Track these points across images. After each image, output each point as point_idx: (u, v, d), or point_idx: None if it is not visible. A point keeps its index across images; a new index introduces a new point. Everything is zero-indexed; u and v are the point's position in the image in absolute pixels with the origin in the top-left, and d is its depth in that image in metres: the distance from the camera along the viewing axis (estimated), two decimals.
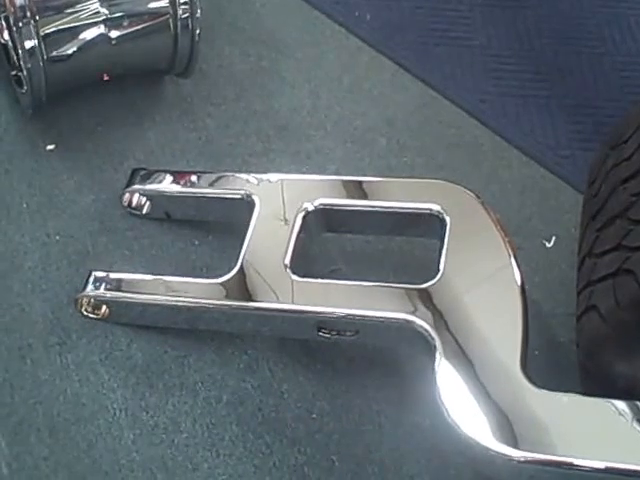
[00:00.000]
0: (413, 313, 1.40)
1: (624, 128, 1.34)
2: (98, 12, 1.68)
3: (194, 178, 1.74)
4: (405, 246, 1.77)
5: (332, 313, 1.45)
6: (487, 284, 1.43)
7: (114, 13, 1.71)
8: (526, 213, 1.85)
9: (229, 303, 1.52)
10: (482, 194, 1.66)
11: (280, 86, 2.04)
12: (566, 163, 1.94)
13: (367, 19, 2.20)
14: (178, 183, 1.75)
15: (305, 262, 1.63)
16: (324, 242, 1.74)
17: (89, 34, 1.70)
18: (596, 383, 1.30)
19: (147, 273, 1.64)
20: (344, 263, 1.73)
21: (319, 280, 1.51)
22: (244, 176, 1.70)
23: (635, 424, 1.22)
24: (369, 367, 1.62)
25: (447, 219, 1.52)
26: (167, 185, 1.75)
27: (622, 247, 1.18)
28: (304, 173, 1.82)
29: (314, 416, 1.56)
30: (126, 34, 1.75)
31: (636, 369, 1.24)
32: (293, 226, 1.57)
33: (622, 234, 1.19)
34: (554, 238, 1.80)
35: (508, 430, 1.27)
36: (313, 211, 1.60)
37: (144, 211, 1.77)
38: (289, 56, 2.10)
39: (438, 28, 2.20)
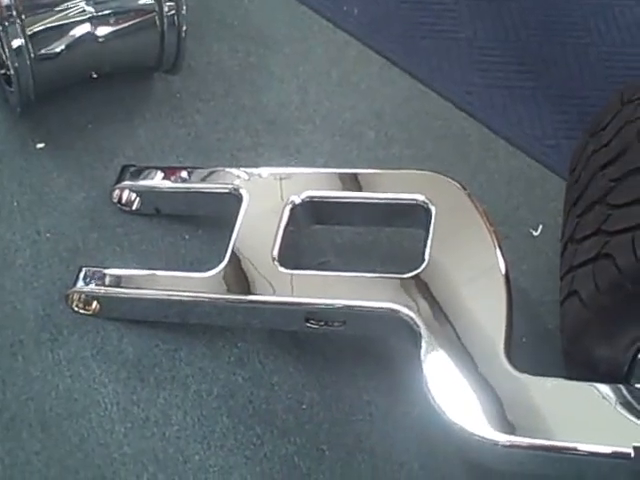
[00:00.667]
0: (398, 302, 1.42)
1: (603, 115, 1.36)
2: (84, 10, 1.70)
3: (183, 173, 1.76)
4: (394, 237, 1.78)
5: (319, 304, 1.47)
6: (472, 273, 1.45)
7: (100, 11, 1.72)
8: (513, 203, 1.87)
9: (218, 296, 1.53)
10: (469, 184, 1.67)
11: (268, 81, 2.06)
12: (552, 153, 1.95)
13: (354, 14, 2.22)
14: (167, 179, 1.76)
15: (294, 254, 1.64)
16: (313, 234, 1.75)
17: (76, 32, 1.71)
18: (579, 367, 1.32)
19: (138, 268, 1.65)
20: (333, 255, 1.75)
21: (306, 272, 1.53)
22: (232, 170, 1.71)
23: (618, 407, 1.23)
24: (359, 357, 1.63)
25: (432, 209, 1.53)
26: (156, 181, 1.76)
27: (601, 232, 1.20)
28: (292, 166, 1.82)
29: (304, 407, 1.57)
30: (113, 32, 1.76)
31: (617, 353, 1.25)
32: (281, 219, 1.58)
33: (601, 219, 1.20)
34: (541, 227, 1.81)
35: (493, 415, 1.28)
36: (300, 204, 1.61)
37: (134, 207, 1.78)
38: (277, 51, 2.12)
39: (425, 22, 2.22)
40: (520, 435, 1.25)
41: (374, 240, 1.78)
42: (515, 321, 1.56)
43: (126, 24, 1.76)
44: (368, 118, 2.00)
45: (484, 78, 2.10)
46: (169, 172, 1.77)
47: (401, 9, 2.23)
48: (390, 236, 1.78)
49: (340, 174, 1.66)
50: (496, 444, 1.26)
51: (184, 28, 1.78)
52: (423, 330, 1.38)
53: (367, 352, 1.63)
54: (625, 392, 1.24)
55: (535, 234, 1.81)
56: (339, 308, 1.45)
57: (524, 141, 1.98)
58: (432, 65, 2.11)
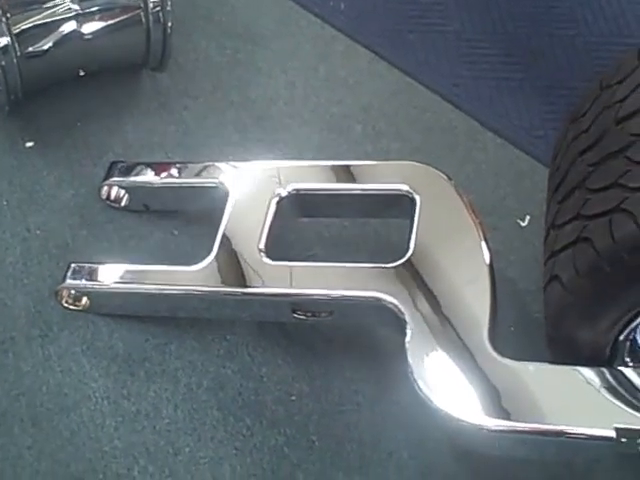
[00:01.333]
0: (383, 291, 1.43)
1: (582, 102, 1.37)
2: (69, 8, 1.71)
3: (171, 169, 1.77)
4: (381, 230, 1.79)
5: (305, 294, 1.47)
6: (456, 262, 1.45)
7: (86, 9, 1.73)
8: (500, 193, 1.87)
9: (206, 289, 1.54)
10: (457, 176, 1.68)
11: (256, 77, 2.07)
12: (540, 143, 1.96)
13: (341, 8, 2.23)
14: (155, 174, 1.77)
15: (282, 247, 1.65)
16: (301, 228, 1.76)
17: (62, 30, 1.73)
18: (563, 352, 1.33)
19: (127, 264, 1.65)
20: (320, 248, 1.75)
21: (292, 263, 1.53)
22: (220, 165, 1.72)
23: (601, 390, 1.24)
24: (347, 348, 1.64)
25: (417, 199, 1.54)
26: (144, 177, 1.78)
27: (580, 216, 1.20)
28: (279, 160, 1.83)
29: (293, 398, 1.58)
30: (98, 29, 1.77)
31: (599, 336, 1.26)
32: (267, 212, 1.59)
33: (580, 204, 1.21)
34: (528, 217, 1.82)
35: (478, 400, 1.29)
36: (286, 196, 1.62)
37: (123, 203, 1.79)
38: (265, 47, 2.13)
39: (412, 15, 2.23)
40: (505, 419, 1.26)
41: (361, 233, 1.79)
42: (503, 310, 1.57)
43: (112, 21, 1.77)
44: (356, 112, 2.01)
45: (471, 70, 2.11)
46: (157, 168, 1.78)
47: (388, 3, 2.24)
48: (377, 228, 1.79)
49: (326, 166, 1.67)
50: (481, 429, 1.27)
51: (170, 24, 1.79)
52: (408, 318, 1.39)
53: (355, 343, 1.64)
54: (608, 375, 1.25)
55: (523, 224, 1.82)
56: (325, 298, 1.46)
57: (512, 132, 1.99)
58: (419, 58, 2.12)
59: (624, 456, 1.27)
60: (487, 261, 1.45)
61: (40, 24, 1.71)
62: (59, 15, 1.71)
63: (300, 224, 1.74)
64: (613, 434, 1.19)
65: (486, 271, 1.43)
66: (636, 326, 1.25)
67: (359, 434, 1.53)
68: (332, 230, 1.78)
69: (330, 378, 1.60)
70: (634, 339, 1.28)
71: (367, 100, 2.04)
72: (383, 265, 1.47)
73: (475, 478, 1.50)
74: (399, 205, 1.60)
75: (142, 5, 1.76)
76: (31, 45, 1.71)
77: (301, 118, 1.99)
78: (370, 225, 1.79)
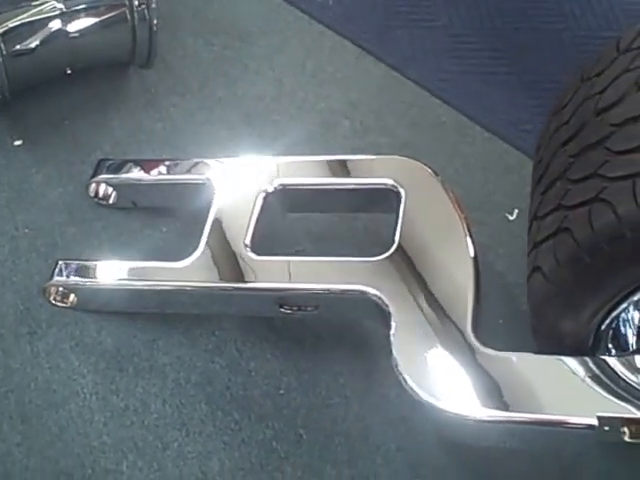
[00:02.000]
0: (368, 284, 1.43)
1: (564, 94, 1.37)
2: (54, 7, 1.71)
3: (158, 166, 1.77)
4: (370, 225, 1.80)
5: (291, 289, 1.48)
6: (440, 255, 1.46)
7: (71, 7, 1.74)
8: (489, 188, 1.88)
9: (193, 285, 1.54)
10: (445, 171, 1.69)
11: (244, 74, 2.08)
12: (528, 137, 1.95)
13: (329, 4, 2.23)
14: (143, 172, 1.78)
15: (269, 243, 1.65)
16: (289, 223, 1.77)
17: (47, 29, 1.73)
18: (547, 342, 1.33)
19: (114, 260, 1.66)
20: (309, 243, 1.76)
21: (278, 258, 1.54)
22: (206, 161, 1.73)
23: (584, 379, 1.24)
24: (335, 342, 1.64)
25: (402, 193, 1.54)
26: (132, 174, 1.78)
27: (561, 207, 1.21)
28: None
29: (281, 392, 1.58)
30: (84, 28, 1.78)
31: (581, 326, 1.26)
32: (254, 207, 1.60)
33: (561, 195, 1.22)
34: (517, 211, 1.82)
35: (463, 391, 1.30)
36: (273, 192, 1.63)
37: (111, 201, 1.80)
38: (252, 44, 2.13)
39: (400, 11, 2.23)
40: (490, 410, 1.27)
41: (350, 228, 1.79)
42: (491, 303, 1.59)
43: (97, 19, 1.78)
44: (343, 107, 2.02)
45: (459, 65, 2.11)
46: (145, 165, 1.78)
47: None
48: (366, 224, 1.80)
49: (312, 161, 1.68)
50: (467, 419, 1.28)
51: (155, 22, 1.80)
52: (392, 311, 1.39)
53: (343, 337, 1.65)
54: (591, 364, 1.26)
55: (511, 218, 1.82)
56: (310, 292, 1.47)
57: (499, 127, 1.99)
58: (407, 54, 2.13)
59: (610, 446, 1.28)
60: (471, 254, 1.45)
61: (26, 22, 1.72)
62: (45, 14, 1.72)
63: (288, 219, 1.75)
64: (596, 422, 1.20)
65: (470, 264, 1.44)
66: (618, 315, 1.25)
67: (347, 427, 1.54)
68: (320, 225, 1.79)
69: (318, 372, 1.60)
70: (616, 328, 1.28)
71: (355, 95, 2.04)
72: (368, 259, 1.47)
73: (464, 470, 1.51)
74: (386, 199, 1.60)
75: (127, 3, 1.76)
76: (18, 44, 1.71)
77: (288, 114, 2.00)
78: (359, 220, 1.80)
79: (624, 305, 1.23)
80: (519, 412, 1.25)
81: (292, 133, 1.96)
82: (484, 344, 1.34)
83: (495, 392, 1.28)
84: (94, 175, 1.79)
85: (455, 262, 1.44)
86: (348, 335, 1.65)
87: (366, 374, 1.60)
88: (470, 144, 1.97)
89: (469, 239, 1.47)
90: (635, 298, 1.22)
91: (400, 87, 2.07)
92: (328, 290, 1.46)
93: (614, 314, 1.25)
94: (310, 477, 1.48)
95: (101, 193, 1.79)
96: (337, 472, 1.49)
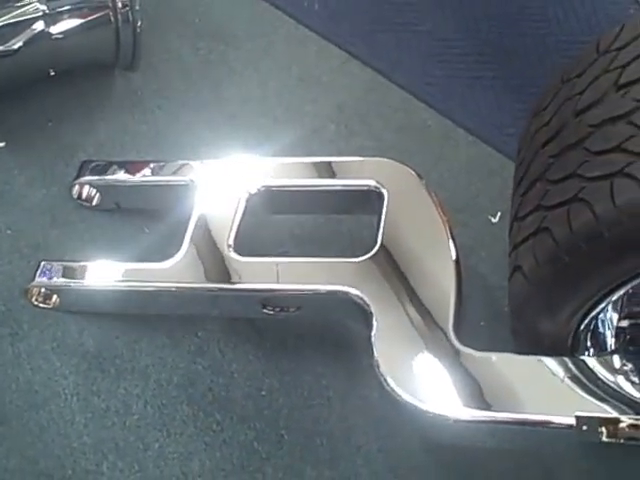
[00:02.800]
0: (350, 285, 1.43)
1: (545, 95, 1.38)
2: (37, 8, 1.71)
3: (141, 168, 1.77)
4: (354, 227, 1.80)
5: (273, 289, 1.48)
6: (422, 257, 1.46)
7: (53, 9, 1.73)
8: (473, 191, 1.88)
9: (174, 285, 1.54)
10: (430, 174, 1.70)
11: (229, 77, 2.08)
12: (512, 141, 1.94)
13: (315, 8, 2.24)
14: (126, 173, 1.77)
15: (253, 245, 1.65)
16: (273, 225, 1.77)
17: (30, 30, 1.73)
18: (527, 342, 1.33)
19: (96, 261, 1.65)
20: (293, 245, 1.76)
21: (261, 258, 1.54)
22: (190, 163, 1.73)
23: (563, 379, 1.25)
24: (318, 344, 1.65)
25: (385, 194, 1.55)
26: (115, 176, 1.78)
27: (541, 207, 1.21)
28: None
29: (263, 393, 1.59)
30: (67, 29, 1.77)
31: (560, 326, 1.26)
32: (237, 208, 1.60)
33: (541, 195, 1.22)
34: (499, 214, 1.83)
35: (444, 391, 1.30)
36: (256, 193, 1.63)
37: (94, 202, 1.80)
38: (238, 47, 2.13)
39: (385, 15, 2.23)
40: (470, 409, 1.27)
41: (334, 229, 1.79)
42: (474, 305, 1.59)
43: (81, 21, 1.78)
44: (329, 111, 2.02)
45: (444, 69, 2.12)
46: (128, 167, 1.78)
47: (361, 3, 2.25)
48: (350, 225, 1.80)
49: (296, 163, 1.68)
50: (448, 419, 1.28)
51: (139, 24, 1.80)
52: (374, 312, 1.39)
53: (326, 338, 1.65)
54: (570, 364, 1.26)
55: (494, 221, 1.83)
56: (293, 293, 1.47)
57: (484, 130, 2.00)
58: (392, 58, 2.13)
59: (591, 445, 1.28)
60: (453, 257, 1.45)
61: (9, 24, 1.71)
62: (28, 15, 1.72)
63: (272, 220, 1.75)
64: (574, 422, 1.20)
65: (452, 266, 1.44)
66: (597, 315, 1.26)
67: (329, 428, 1.54)
68: (304, 227, 1.79)
69: (300, 373, 1.61)
70: (595, 328, 1.29)
71: (340, 99, 2.05)
72: (350, 259, 1.47)
73: (444, 470, 1.51)
74: (369, 201, 1.60)
75: (111, 5, 1.76)
76: (0, 45, 1.71)
77: (274, 117, 2.00)
78: (343, 222, 1.80)
79: (603, 305, 1.23)
80: (499, 412, 1.25)
81: (277, 136, 1.96)
82: (466, 345, 1.34)
83: (476, 392, 1.28)
84: (77, 177, 1.79)
85: (437, 264, 1.44)
86: (331, 336, 1.65)
87: (348, 375, 1.60)
88: (455, 147, 1.97)
89: (451, 241, 1.47)
90: (613, 298, 1.22)
91: (386, 91, 2.07)
92: (310, 291, 1.46)
93: (593, 314, 1.25)
94: (291, 478, 1.49)
95: (84, 195, 1.79)
96: (318, 473, 1.49)
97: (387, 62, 2.13)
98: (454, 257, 1.46)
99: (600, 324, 1.29)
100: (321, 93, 2.06)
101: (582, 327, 1.27)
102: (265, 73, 2.09)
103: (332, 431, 1.54)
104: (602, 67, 1.25)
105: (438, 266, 1.44)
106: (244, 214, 1.60)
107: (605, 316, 1.28)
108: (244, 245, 1.58)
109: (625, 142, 1.11)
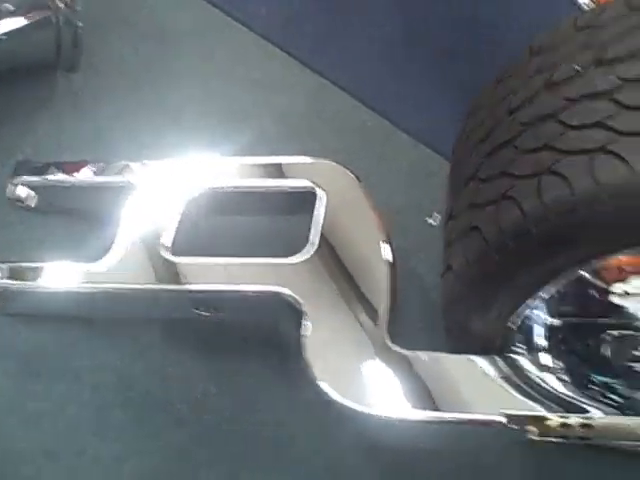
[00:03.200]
0: (283, 285, 1.42)
1: (480, 96, 1.38)
2: None
3: (79, 168, 1.74)
4: (295, 227, 1.77)
5: (205, 291, 1.46)
6: (356, 258, 1.46)
7: None
8: (412, 193, 1.89)
9: (105, 286, 1.51)
10: (370, 175, 1.69)
11: (171, 79, 2.06)
12: (449, 142, 1.97)
13: (262, 13, 2.23)
14: (63, 174, 1.75)
15: (191, 245, 1.63)
16: (214, 226, 1.75)
17: None
18: (458, 342, 1.33)
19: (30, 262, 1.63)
20: (231, 246, 1.73)
21: (195, 259, 1.52)
22: (128, 164, 1.71)
23: (494, 377, 1.25)
24: (257, 348, 1.63)
25: (323, 195, 1.54)
26: (52, 176, 1.75)
27: (472, 206, 1.21)
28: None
29: (203, 397, 1.57)
30: (8, 30, 1.75)
31: (490, 325, 1.27)
32: (174, 209, 1.58)
33: (473, 194, 1.22)
34: (439, 216, 1.83)
35: (374, 391, 1.30)
36: (195, 194, 1.61)
37: (31, 204, 1.77)
38: (181, 50, 2.12)
39: (329, 20, 2.24)
40: (402, 409, 1.26)
41: (274, 230, 1.77)
42: (411, 306, 1.59)
43: (21, 22, 1.75)
44: (272, 113, 2.01)
45: (389, 73, 2.12)
46: (65, 167, 1.75)
47: (307, 8, 2.24)
48: (291, 226, 1.78)
49: (235, 163, 1.66)
50: (379, 419, 1.27)
51: (80, 25, 1.78)
52: (306, 312, 1.38)
53: (263, 341, 1.64)
54: (500, 363, 1.26)
55: (433, 223, 1.83)
56: (224, 293, 1.45)
57: (424, 133, 2.00)
58: (335, 61, 2.13)
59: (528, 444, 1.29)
60: (388, 259, 1.45)
61: None
62: None
63: (212, 222, 1.73)
64: (504, 420, 1.20)
65: (387, 268, 1.44)
66: (526, 313, 1.26)
67: (267, 432, 1.53)
68: (245, 228, 1.77)
69: (242, 377, 1.60)
70: (526, 327, 1.29)
71: (284, 102, 2.04)
72: (284, 260, 1.47)
73: (382, 471, 1.50)
74: (308, 202, 1.59)
75: (51, 6, 1.74)
76: None
77: (216, 119, 1.98)
78: (286, 222, 1.77)
79: (532, 303, 1.24)
80: (431, 411, 1.25)
81: (219, 139, 1.94)
82: (402, 346, 1.33)
83: (408, 392, 1.28)
84: (13, 177, 1.76)
85: (372, 266, 1.44)
86: (267, 339, 1.64)
87: (286, 378, 1.58)
88: (394, 149, 1.97)
89: (387, 243, 1.47)
90: (543, 296, 1.23)
91: (329, 94, 2.07)
92: (244, 291, 1.44)
93: (522, 314, 1.25)
94: None
95: (21, 195, 1.76)
96: (254, 478, 1.47)
97: (329, 65, 2.13)
98: (389, 259, 1.46)
99: (531, 323, 1.29)
100: (264, 96, 2.05)
101: (512, 325, 1.27)
102: (207, 76, 2.08)
103: (269, 435, 1.52)
104: (535, 67, 1.26)
105: (373, 268, 1.44)
106: (183, 215, 1.59)
107: (535, 315, 1.28)
108: (182, 246, 1.57)
109: (553, 140, 1.12)
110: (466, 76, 2.07)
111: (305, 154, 1.91)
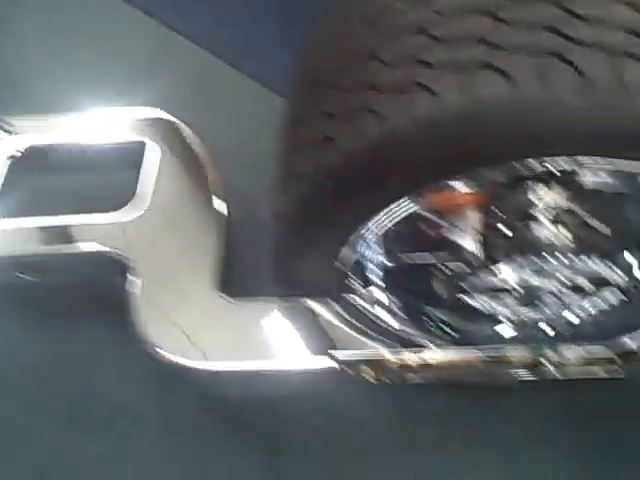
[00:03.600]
0: (109, 243, 1.36)
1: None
2: None
3: None
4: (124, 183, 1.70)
5: (27, 255, 1.38)
6: (188, 212, 1.41)
7: None
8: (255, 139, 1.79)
9: None
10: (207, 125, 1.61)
11: None
12: None
13: None
14: None
15: (18, 207, 1.55)
16: (41, 185, 1.65)
17: None
18: (290, 286, 1.28)
19: None
20: (60, 205, 1.64)
21: (16, 220, 1.43)
22: None
23: (325, 319, 1.22)
24: (94, 309, 1.55)
25: (152, 149, 1.48)
26: None
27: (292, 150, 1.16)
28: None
29: (31, 361, 1.50)
30: None
31: (319, 265, 1.21)
32: None
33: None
34: None
35: (204, 344, 1.26)
36: (21, 153, 1.52)
37: None
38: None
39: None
40: (232, 360, 1.22)
41: (105, 187, 1.68)
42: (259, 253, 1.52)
43: None
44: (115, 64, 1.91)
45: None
46: None
47: None
48: (121, 182, 1.70)
49: (62, 119, 1.57)
50: (207, 373, 1.24)
51: None
52: (135, 269, 1.32)
53: (102, 302, 1.56)
54: (332, 303, 1.23)
55: None
56: (48, 256, 1.37)
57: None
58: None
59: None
60: (221, 210, 1.40)
61: None
62: None
63: (40, 181, 1.64)
64: (334, 365, 1.17)
65: (219, 220, 1.39)
66: (358, 254, 1.22)
67: (102, 393, 1.48)
68: (75, 185, 1.67)
69: (72, 340, 1.53)
70: (359, 267, 1.25)
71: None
72: (110, 217, 1.41)
73: (220, 426, 1.45)
74: (139, 156, 1.53)
75: None
76: None
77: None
78: (117, 177, 1.69)
79: (360, 242, 1.19)
80: (257, 360, 1.21)
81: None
82: (242, 297, 1.29)
83: (238, 342, 1.24)
84: None
85: (203, 218, 1.39)
86: (108, 300, 1.56)
87: (122, 339, 1.51)
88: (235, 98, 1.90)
89: (219, 200, 1.42)
90: (375, 232, 1.18)
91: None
92: (70, 252, 1.37)
93: (352, 253, 1.21)
94: (56, 449, 1.41)
95: None
96: (88, 439, 1.41)
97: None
98: (221, 210, 1.41)
99: (365, 262, 1.25)
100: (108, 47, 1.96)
101: (342, 267, 1.23)
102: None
103: (106, 396, 1.46)
104: None
105: (204, 220, 1.39)
106: (8, 176, 1.50)
107: (367, 253, 1.24)
108: (4, 207, 1.48)
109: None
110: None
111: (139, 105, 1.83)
